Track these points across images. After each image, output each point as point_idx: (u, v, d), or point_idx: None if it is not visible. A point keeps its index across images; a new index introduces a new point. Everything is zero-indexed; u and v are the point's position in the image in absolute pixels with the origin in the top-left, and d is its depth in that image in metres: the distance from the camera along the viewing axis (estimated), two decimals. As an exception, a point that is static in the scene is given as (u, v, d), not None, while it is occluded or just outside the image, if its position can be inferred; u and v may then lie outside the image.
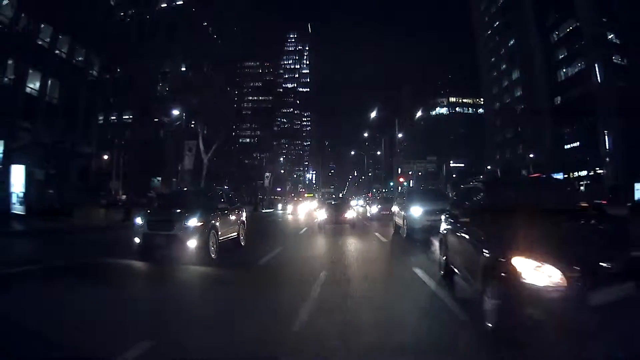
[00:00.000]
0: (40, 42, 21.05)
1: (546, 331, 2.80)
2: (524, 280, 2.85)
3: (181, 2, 38.73)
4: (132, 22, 32.12)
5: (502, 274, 3.01)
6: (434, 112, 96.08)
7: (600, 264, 2.87)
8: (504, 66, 56.21)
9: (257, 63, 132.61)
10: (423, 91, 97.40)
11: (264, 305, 4.35)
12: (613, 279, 2.85)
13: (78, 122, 22.77)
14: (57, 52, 21.82)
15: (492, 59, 58.88)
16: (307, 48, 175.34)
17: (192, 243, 7.64)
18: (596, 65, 37.45)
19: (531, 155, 40.40)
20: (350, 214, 16.28)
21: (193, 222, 7.87)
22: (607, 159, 34.61)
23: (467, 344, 3.29)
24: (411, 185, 55.92)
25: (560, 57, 43.03)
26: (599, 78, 37.26)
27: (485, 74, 62.36)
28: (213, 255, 8.01)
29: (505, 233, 3.34)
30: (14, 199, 17.77)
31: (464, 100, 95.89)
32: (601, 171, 35.50)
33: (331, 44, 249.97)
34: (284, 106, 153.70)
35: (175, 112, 23.51)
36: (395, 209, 14.94)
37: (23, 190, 18.34)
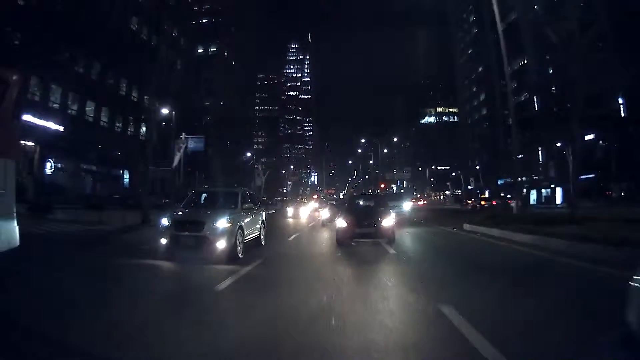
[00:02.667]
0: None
1: (344, 240, 9.84)
2: (337, 225, 10.28)
3: (215, 49, 50.31)
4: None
5: (336, 225, 10.76)
6: (423, 121, 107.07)
7: (361, 222, 9.94)
8: (474, 88, 67.58)
9: (263, 75, 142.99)
10: (413, 101, 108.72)
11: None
12: (366, 227, 9.84)
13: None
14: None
15: (466, 82, 70.24)
16: (307, 57, 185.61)
17: (220, 244, 7.63)
18: (535, 96, 48.86)
19: (477, 167, 51.94)
20: None
21: (222, 223, 7.85)
22: (540, 169, 45.97)
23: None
24: (404, 186, 67.91)
25: (513, 86, 54.34)
26: (536, 105, 48.67)
27: (461, 93, 73.73)
28: (240, 255, 8.07)
29: (341, 212, 11.24)
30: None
31: (450, 110, 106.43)
32: (536, 177, 46.84)
33: (330, 51, 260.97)
34: (287, 113, 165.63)
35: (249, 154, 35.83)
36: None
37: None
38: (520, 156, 51.86)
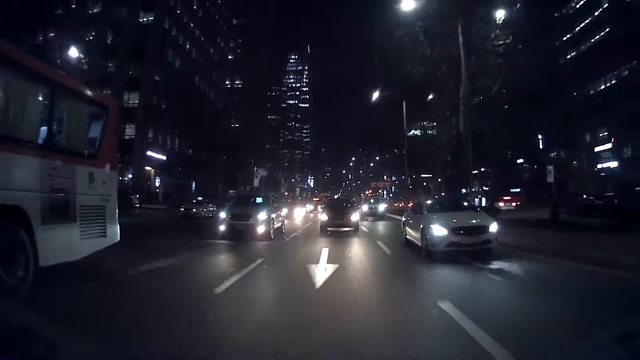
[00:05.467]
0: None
1: (326, 227, 15.27)
2: (321, 218, 16.08)
3: (239, 84, 63.83)
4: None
5: (319, 217, 18.64)
6: (410, 133, 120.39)
7: (336, 215, 15.47)
8: (447, 113, 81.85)
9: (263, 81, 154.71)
10: (401, 113, 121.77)
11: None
12: (339, 219, 15.40)
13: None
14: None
15: (440, 107, 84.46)
16: (306, 68, 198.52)
17: (261, 229, 11.91)
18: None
19: (439, 180, 65.93)
20: None
21: (262, 215, 12.16)
22: (489, 182, 60.16)
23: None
24: (393, 191, 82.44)
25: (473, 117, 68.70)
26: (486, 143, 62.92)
27: (440, 114, 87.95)
28: (272, 237, 12.26)
29: (323, 210, 17.20)
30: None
31: (434, 124, 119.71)
32: (486, 188, 61.07)
33: (328, 61, 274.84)
34: (287, 120, 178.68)
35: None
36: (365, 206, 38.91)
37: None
38: (476, 172, 66.32)
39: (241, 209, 12.82)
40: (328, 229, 15.09)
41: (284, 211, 16.77)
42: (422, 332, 3.68)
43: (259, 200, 13.98)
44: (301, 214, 31.52)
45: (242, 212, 12.46)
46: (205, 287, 5.40)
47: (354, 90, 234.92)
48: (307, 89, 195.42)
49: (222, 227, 12.23)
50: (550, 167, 33.41)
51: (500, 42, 18.87)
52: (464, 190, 59.19)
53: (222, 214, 12.69)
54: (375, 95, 29.00)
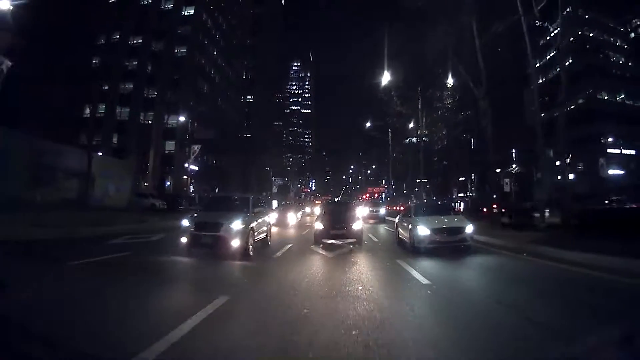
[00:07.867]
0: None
1: (321, 239, 12.30)
2: (315, 227, 12.57)
3: (251, 99, 71.64)
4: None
5: (314, 227, 13.00)
6: (406, 140, 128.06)
7: (334, 225, 12.35)
8: (439, 124, 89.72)
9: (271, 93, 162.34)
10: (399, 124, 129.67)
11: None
12: (338, 229, 12.27)
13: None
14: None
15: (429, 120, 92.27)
16: (308, 74, 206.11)
17: (235, 243, 8.77)
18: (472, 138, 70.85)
19: (428, 187, 73.74)
20: None
21: (237, 225, 8.98)
22: (473, 189, 67.86)
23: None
24: (392, 194, 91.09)
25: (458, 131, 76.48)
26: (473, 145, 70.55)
27: (433, 125, 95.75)
28: (251, 253, 9.25)
29: (319, 217, 13.77)
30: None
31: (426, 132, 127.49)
32: (471, 194, 68.79)
33: (330, 67, 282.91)
34: (290, 126, 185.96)
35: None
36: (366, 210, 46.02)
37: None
38: (462, 178, 74.15)
39: (210, 215, 9.94)
40: (323, 240, 12.40)
41: (272, 217, 14.08)
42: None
43: (234, 203, 11.21)
44: (301, 217, 30.81)
45: (211, 219, 9.50)
46: None
47: (354, 92, 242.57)
48: (309, 95, 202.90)
49: (183, 240, 9.25)
50: (507, 180, 41.88)
51: (449, 102, 27.00)
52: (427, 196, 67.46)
53: (185, 222, 9.62)
54: (368, 124, 37.22)
